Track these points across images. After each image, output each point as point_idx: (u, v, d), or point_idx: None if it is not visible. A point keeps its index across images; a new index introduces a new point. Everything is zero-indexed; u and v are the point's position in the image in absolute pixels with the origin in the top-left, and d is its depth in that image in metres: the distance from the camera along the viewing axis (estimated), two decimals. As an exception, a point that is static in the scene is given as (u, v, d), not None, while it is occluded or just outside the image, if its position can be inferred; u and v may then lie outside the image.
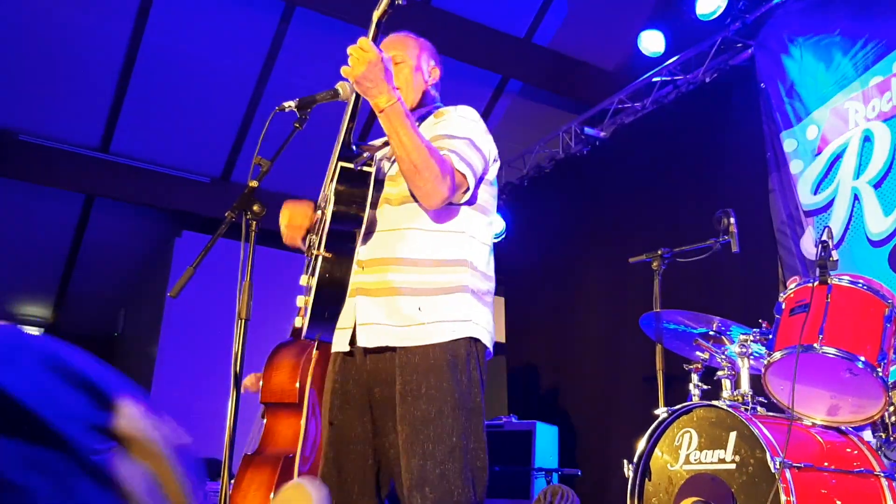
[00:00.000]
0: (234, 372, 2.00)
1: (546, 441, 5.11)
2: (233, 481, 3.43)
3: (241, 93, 7.02)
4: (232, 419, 2.00)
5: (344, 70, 1.96)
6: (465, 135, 2.15)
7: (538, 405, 6.42)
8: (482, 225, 2.21)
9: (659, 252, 3.67)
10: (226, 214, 2.12)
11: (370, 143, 2.32)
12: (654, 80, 5.97)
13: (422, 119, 2.26)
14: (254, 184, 2.13)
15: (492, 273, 2.24)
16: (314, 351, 3.28)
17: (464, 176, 2.08)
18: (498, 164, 2.30)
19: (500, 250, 7.29)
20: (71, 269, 8.91)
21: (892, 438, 2.76)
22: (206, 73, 6.80)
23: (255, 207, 2.15)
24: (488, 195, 2.24)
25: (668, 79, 5.91)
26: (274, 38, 6.64)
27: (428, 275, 2.09)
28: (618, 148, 6.32)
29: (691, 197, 5.37)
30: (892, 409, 2.67)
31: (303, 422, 3.35)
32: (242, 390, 3.88)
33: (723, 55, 5.53)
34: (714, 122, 5.46)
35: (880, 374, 2.51)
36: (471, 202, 2.17)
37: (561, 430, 5.45)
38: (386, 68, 1.96)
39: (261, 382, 3.72)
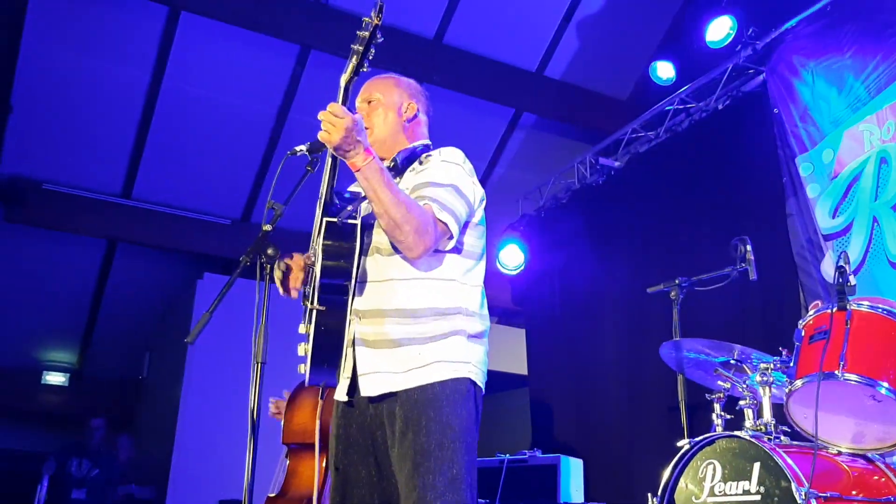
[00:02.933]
0: (251, 416, 2.02)
1: (571, 475, 5.05)
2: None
3: (258, 135, 7.13)
4: (250, 463, 2.01)
5: (321, 136, 2.01)
6: (448, 181, 2.17)
7: (562, 438, 6.36)
8: (472, 269, 2.24)
9: (676, 281, 3.66)
10: (240, 259, 2.16)
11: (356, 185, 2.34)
12: (667, 108, 5.98)
13: (407, 163, 2.29)
14: (267, 228, 2.17)
15: (486, 312, 2.27)
16: (319, 398, 3.31)
17: (446, 224, 2.11)
18: (484, 203, 2.31)
19: (520, 282, 7.37)
20: (95, 315, 9.02)
21: (921, 465, 2.71)
22: (224, 117, 6.92)
23: (270, 251, 2.18)
24: (475, 238, 2.26)
25: (681, 107, 5.93)
26: (290, 81, 6.76)
27: (424, 324, 2.13)
28: (633, 177, 6.32)
29: (708, 224, 5.35)
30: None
31: (322, 463, 3.33)
32: (271, 416, 3.89)
33: (734, 82, 5.54)
34: (728, 149, 5.46)
35: (903, 399, 2.47)
36: (458, 249, 2.20)
37: (586, 463, 5.39)
38: (360, 129, 2.00)
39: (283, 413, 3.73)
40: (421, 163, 2.27)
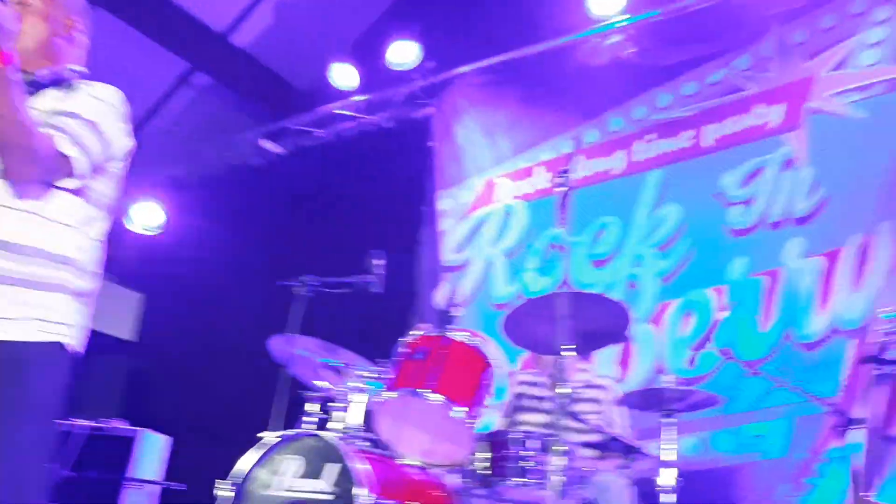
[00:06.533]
0: None
1: (153, 451, 4.86)
2: None
3: None
4: None
5: None
6: (89, 117, 1.95)
7: (157, 413, 6.07)
8: (95, 219, 2.02)
9: (304, 278, 3.74)
10: None
11: None
12: (338, 112, 6.10)
13: (51, 84, 2.04)
14: None
15: (98, 272, 2.05)
16: None
17: (69, 159, 1.88)
18: (129, 160, 2.12)
19: (151, 246, 6.93)
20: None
21: (475, 485, 3.02)
22: None
23: None
24: (109, 189, 2.05)
25: (352, 114, 6.09)
26: None
27: (28, 265, 1.86)
28: (292, 168, 6.33)
29: (351, 232, 5.53)
30: (485, 457, 2.88)
31: None
32: None
33: (406, 107, 5.84)
34: (384, 166, 5.71)
35: (471, 424, 2.76)
36: (82, 192, 1.97)
37: (177, 441, 5.22)
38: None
39: None
40: (69, 88, 2.01)
